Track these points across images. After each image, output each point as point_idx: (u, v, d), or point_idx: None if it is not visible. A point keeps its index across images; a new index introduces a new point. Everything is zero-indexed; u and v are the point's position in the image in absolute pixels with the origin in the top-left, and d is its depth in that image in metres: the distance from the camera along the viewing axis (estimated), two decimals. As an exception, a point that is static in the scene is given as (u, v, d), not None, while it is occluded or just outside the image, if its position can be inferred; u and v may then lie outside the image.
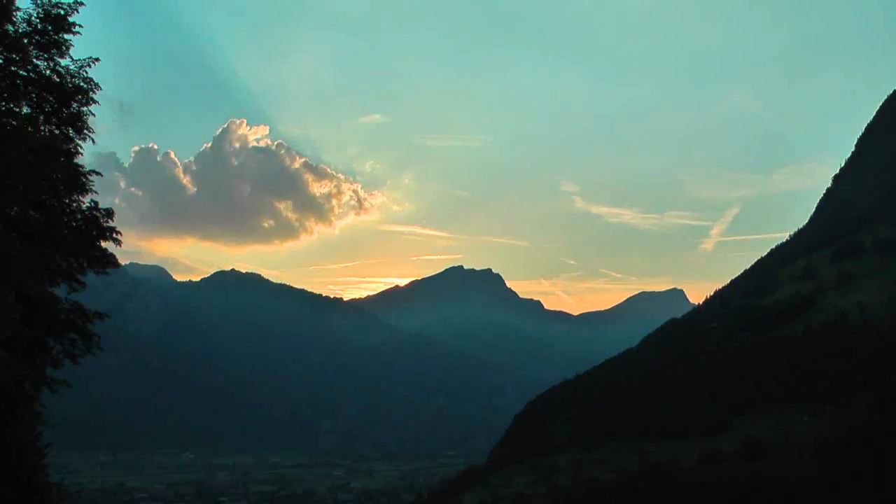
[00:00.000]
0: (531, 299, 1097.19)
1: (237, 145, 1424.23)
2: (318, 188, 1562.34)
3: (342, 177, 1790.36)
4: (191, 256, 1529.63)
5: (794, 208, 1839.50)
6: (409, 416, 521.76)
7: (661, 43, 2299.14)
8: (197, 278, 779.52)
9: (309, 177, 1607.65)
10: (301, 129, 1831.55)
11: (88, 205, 22.48)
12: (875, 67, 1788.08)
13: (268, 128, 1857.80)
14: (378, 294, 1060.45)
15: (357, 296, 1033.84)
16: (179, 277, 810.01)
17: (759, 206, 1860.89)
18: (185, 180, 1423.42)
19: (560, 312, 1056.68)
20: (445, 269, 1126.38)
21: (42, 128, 21.66)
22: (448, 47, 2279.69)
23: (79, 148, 22.31)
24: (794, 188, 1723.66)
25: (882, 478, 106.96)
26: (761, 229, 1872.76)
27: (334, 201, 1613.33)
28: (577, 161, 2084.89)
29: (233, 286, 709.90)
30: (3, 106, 20.83)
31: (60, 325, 22.13)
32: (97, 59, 21.82)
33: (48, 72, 21.34)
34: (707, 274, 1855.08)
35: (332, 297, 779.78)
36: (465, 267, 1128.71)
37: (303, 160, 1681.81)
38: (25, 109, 21.37)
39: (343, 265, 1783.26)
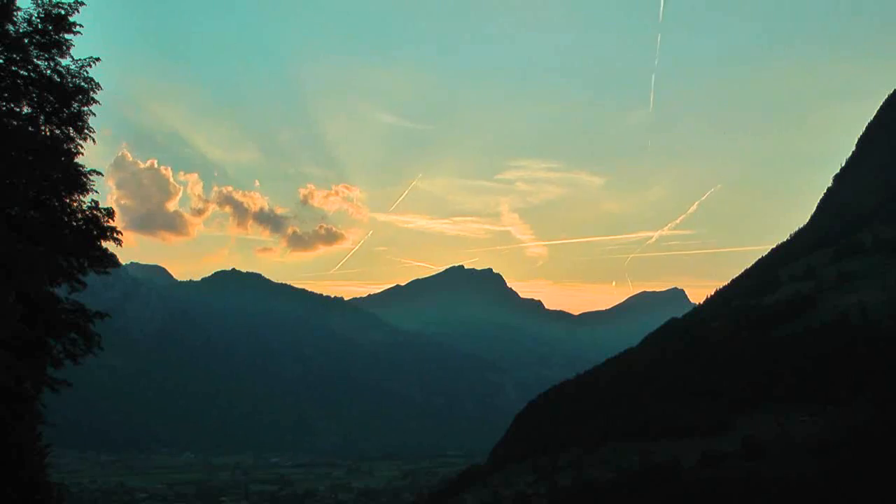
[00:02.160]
0: (531, 299, 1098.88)
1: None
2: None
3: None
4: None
5: (574, 211, 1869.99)
6: (410, 416, 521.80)
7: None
8: (197, 278, 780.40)
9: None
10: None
11: (89, 204, 22.48)
12: (876, 67, 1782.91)
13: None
14: (379, 294, 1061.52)
15: (358, 295, 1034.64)
16: (180, 277, 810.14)
17: (533, 209, 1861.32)
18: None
19: (560, 312, 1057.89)
20: (446, 269, 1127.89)
21: (43, 128, 21.67)
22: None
23: (79, 148, 22.33)
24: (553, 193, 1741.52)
25: (882, 478, 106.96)
26: (575, 232, 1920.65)
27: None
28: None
29: (233, 286, 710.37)
30: (4, 106, 20.84)
31: (61, 325, 22.13)
32: (98, 59, 21.84)
33: (49, 72, 21.36)
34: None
35: (332, 296, 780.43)
36: (466, 267, 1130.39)
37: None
38: (26, 109, 21.39)
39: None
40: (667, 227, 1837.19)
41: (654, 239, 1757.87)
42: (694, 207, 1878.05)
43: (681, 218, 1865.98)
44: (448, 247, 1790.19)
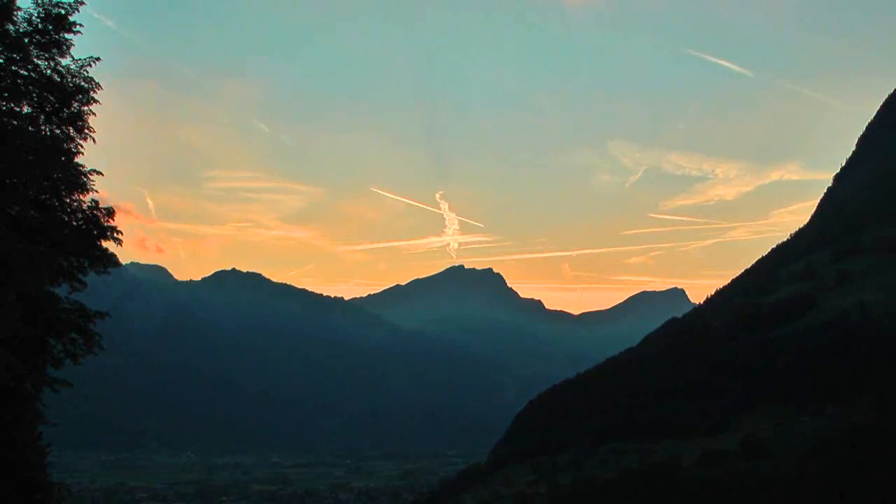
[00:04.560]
0: (532, 299, 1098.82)
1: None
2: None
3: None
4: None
5: (339, 219, 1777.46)
6: (410, 415, 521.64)
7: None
8: (197, 278, 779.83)
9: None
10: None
11: (89, 204, 22.47)
12: (877, 69, 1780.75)
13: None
14: (379, 293, 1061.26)
15: (358, 294, 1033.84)
16: (180, 277, 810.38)
17: (297, 216, 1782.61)
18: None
19: (561, 312, 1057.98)
20: (446, 269, 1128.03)
21: (43, 127, 21.66)
22: None
23: (80, 147, 22.33)
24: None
25: (882, 477, 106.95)
26: (367, 238, 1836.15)
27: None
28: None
29: (233, 285, 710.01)
30: (5, 105, 20.84)
31: (61, 325, 22.12)
32: (98, 59, 21.84)
33: (49, 71, 21.35)
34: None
35: (332, 296, 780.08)
36: (466, 266, 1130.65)
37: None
38: (26, 109, 21.38)
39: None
40: (449, 234, 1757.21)
41: (454, 245, 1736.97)
42: (449, 214, 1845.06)
43: (453, 223, 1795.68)
44: (268, 253, 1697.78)
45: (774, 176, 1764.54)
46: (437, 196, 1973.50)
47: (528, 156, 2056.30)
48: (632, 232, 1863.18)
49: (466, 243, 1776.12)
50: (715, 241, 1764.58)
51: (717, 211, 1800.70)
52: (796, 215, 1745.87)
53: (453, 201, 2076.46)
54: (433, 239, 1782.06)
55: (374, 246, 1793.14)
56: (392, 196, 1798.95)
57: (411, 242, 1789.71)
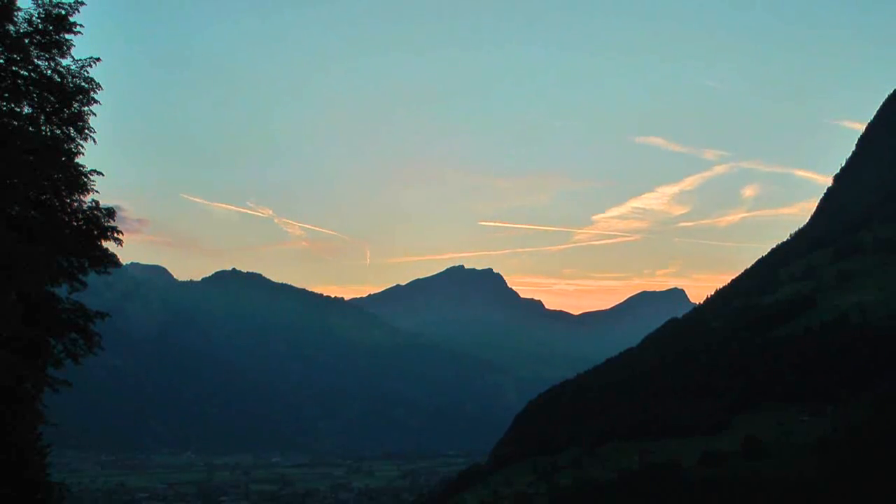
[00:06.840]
0: (532, 299, 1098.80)
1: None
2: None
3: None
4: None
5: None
6: (410, 416, 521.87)
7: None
8: (198, 278, 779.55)
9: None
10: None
11: (89, 204, 22.48)
12: (875, 67, 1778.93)
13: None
14: (379, 293, 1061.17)
15: (358, 295, 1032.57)
16: (180, 277, 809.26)
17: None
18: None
19: (561, 312, 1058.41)
20: (446, 269, 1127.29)
21: (43, 128, 21.67)
22: None
23: (80, 148, 22.34)
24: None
25: (882, 478, 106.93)
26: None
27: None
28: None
29: (234, 286, 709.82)
30: (5, 106, 20.85)
31: (62, 325, 22.13)
32: (98, 59, 21.85)
33: (49, 72, 21.34)
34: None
35: (332, 296, 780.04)
36: (466, 267, 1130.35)
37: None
38: (27, 109, 21.38)
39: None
40: (298, 235, 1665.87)
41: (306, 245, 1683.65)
42: (281, 219, 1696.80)
43: (294, 229, 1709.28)
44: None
45: (561, 187, 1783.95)
46: (251, 203, 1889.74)
47: (312, 157, 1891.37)
48: (485, 236, 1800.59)
49: (325, 248, 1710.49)
50: (570, 245, 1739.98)
51: (538, 217, 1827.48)
52: (622, 221, 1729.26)
53: (273, 207, 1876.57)
54: (288, 245, 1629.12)
55: (250, 252, 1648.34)
56: (214, 204, 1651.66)
57: (272, 248, 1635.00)
